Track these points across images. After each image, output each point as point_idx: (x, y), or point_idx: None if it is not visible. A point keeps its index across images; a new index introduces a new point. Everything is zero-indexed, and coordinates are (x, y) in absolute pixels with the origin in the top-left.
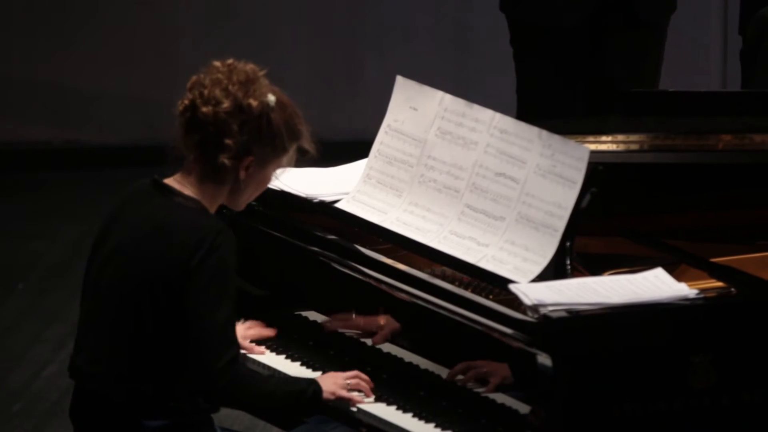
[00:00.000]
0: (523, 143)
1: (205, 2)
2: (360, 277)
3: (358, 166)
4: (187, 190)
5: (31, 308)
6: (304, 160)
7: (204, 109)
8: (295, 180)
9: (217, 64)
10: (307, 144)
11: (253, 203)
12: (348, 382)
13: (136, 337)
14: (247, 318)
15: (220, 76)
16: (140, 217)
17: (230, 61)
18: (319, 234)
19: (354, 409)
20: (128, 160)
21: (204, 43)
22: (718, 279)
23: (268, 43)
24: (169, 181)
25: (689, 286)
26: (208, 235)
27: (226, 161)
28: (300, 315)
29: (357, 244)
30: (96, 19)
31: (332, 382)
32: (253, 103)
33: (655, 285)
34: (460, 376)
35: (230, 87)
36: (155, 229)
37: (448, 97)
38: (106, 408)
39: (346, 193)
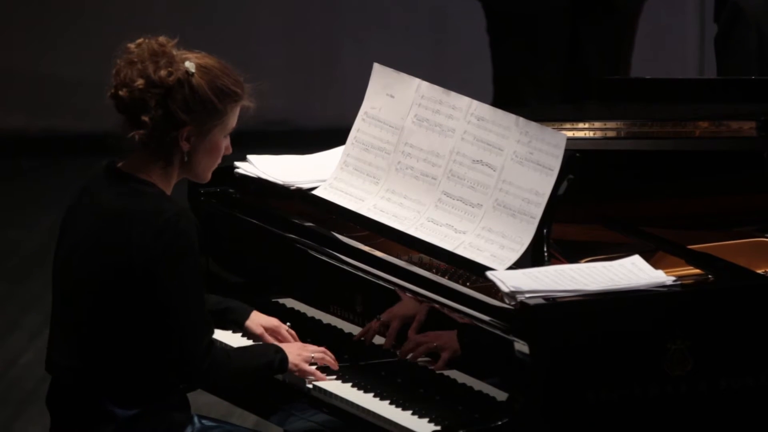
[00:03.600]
0: (500, 130)
1: None
2: (337, 264)
3: (335, 154)
4: (141, 173)
5: (8, 296)
6: (280, 147)
7: (121, 93)
8: (272, 167)
9: (130, 45)
10: (248, 101)
11: (231, 190)
12: (313, 355)
13: (106, 328)
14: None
15: (131, 56)
16: (99, 207)
17: (140, 39)
18: (297, 221)
19: (332, 396)
20: (105, 147)
21: (182, 32)
22: (695, 266)
23: (245, 31)
24: (124, 166)
25: (666, 273)
26: (169, 219)
27: (149, 137)
28: (277, 302)
29: (334, 231)
30: (74, 7)
31: (297, 353)
32: (164, 73)
33: (632, 272)
34: (410, 354)
35: (140, 64)
36: (115, 218)
37: (425, 85)
38: (82, 398)
39: (324, 180)
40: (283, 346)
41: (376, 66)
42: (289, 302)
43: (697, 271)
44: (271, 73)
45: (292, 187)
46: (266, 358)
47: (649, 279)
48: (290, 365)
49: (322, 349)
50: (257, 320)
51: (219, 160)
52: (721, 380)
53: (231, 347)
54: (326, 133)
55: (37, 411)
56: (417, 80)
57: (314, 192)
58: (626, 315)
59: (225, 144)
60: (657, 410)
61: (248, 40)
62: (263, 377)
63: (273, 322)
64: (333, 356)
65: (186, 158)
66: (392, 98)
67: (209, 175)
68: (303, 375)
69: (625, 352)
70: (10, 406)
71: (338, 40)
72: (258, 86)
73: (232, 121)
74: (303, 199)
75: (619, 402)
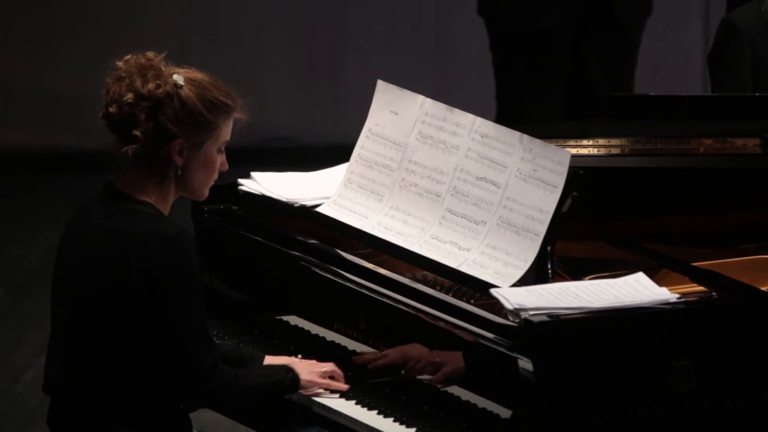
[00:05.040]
0: (504, 147)
1: (186, 7)
2: (341, 281)
3: (339, 171)
4: (137, 192)
5: (12, 313)
6: (284, 164)
7: (111, 109)
8: (276, 184)
9: (118, 62)
10: (240, 114)
11: (234, 207)
12: (324, 370)
13: (104, 349)
14: (225, 320)
15: (119, 72)
16: (96, 229)
17: (128, 56)
18: (300, 238)
19: (335, 414)
20: (107, 163)
21: (185, 48)
22: (699, 283)
23: (247, 47)
24: (121, 186)
25: (670, 290)
26: (167, 241)
27: (142, 151)
28: (281, 319)
29: (338, 248)
30: (76, 23)
31: (309, 370)
32: (152, 86)
33: (636, 289)
34: (413, 370)
35: (128, 79)
36: (112, 241)
37: (428, 101)
38: (82, 418)
39: (327, 198)
40: (293, 365)
41: (380, 83)
42: (293, 319)
43: (702, 288)
44: (275, 89)
45: (295, 204)
46: (276, 377)
47: (654, 296)
48: (302, 383)
49: (331, 364)
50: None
51: (215, 176)
52: (725, 398)
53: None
54: (330, 150)
55: (41, 428)
56: (421, 97)
57: (318, 209)
58: (630, 332)
59: (221, 160)
60: (661, 428)
61: (252, 56)
62: (273, 397)
63: (284, 361)
64: (342, 374)
65: (180, 172)
66: (396, 115)
67: (206, 192)
68: (316, 390)
69: (629, 369)
70: (14, 423)
71: (342, 57)
72: (252, 100)
73: (225, 133)
74: (306, 216)
75: (622, 419)
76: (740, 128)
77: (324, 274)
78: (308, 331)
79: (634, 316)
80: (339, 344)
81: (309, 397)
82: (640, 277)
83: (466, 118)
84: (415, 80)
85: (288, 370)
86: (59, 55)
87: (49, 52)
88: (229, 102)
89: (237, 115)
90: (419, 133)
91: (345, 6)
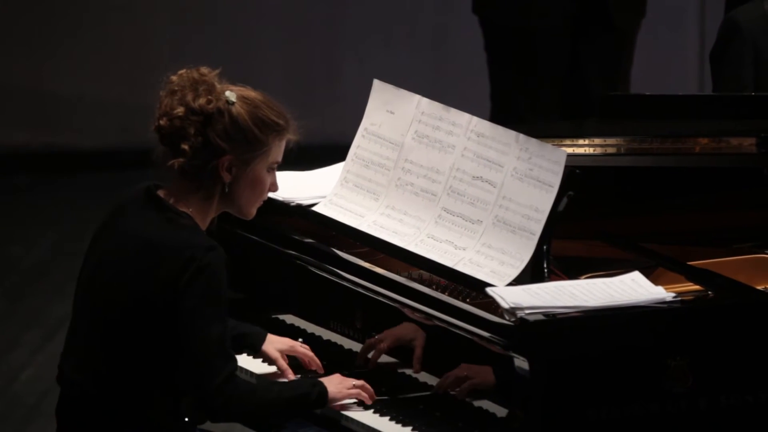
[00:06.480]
0: (500, 147)
1: (182, 7)
2: (337, 280)
3: (335, 170)
4: (179, 203)
5: (8, 312)
6: (282, 163)
7: (162, 122)
8: None
9: (172, 76)
10: (293, 134)
11: None
12: (354, 383)
13: (120, 350)
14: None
15: (172, 86)
16: (131, 231)
17: (182, 70)
18: (297, 237)
19: (333, 413)
20: (106, 163)
21: (182, 48)
22: (695, 282)
23: (246, 47)
24: (163, 193)
25: (666, 289)
26: (197, 253)
27: (189, 165)
28: (277, 318)
29: (334, 247)
30: (74, 23)
31: (336, 383)
32: (203, 101)
33: (632, 288)
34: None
35: (180, 93)
36: (145, 246)
37: (425, 101)
38: (91, 415)
39: (324, 197)
40: (323, 379)
41: (376, 82)
42: (290, 318)
43: (697, 287)
44: (272, 89)
45: (292, 204)
46: (303, 389)
47: (649, 295)
48: (331, 396)
49: (361, 382)
50: (272, 344)
51: (264, 196)
52: (721, 397)
53: (256, 380)
54: (327, 149)
55: (40, 427)
56: (417, 96)
57: (314, 208)
58: (626, 331)
59: (270, 180)
60: (657, 427)
61: (249, 56)
62: (296, 411)
63: (287, 342)
64: (371, 389)
65: (227, 189)
66: (392, 114)
67: (253, 211)
68: (344, 403)
69: (624, 368)
70: (12, 422)
71: (340, 56)
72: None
73: (276, 154)
74: (303, 215)
75: (618, 418)
76: (736, 128)
77: (320, 273)
78: (304, 330)
79: (630, 315)
80: (335, 343)
81: None
82: (636, 276)
83: (463, 118)
84: (412, 80)
85: (315, 383)
86: (59, 55)
87: (49, 52)
88: (281, 122)
89: (289, 136)
90: (415, 132)
91: (344, 6)
